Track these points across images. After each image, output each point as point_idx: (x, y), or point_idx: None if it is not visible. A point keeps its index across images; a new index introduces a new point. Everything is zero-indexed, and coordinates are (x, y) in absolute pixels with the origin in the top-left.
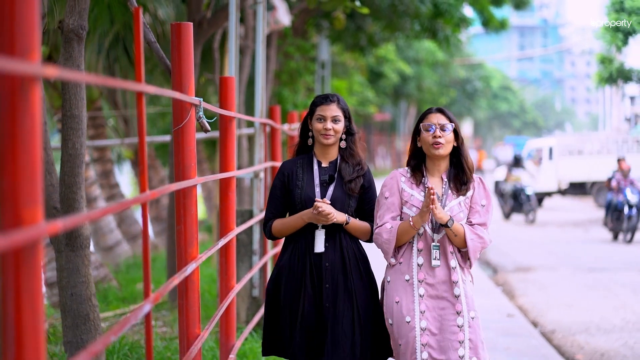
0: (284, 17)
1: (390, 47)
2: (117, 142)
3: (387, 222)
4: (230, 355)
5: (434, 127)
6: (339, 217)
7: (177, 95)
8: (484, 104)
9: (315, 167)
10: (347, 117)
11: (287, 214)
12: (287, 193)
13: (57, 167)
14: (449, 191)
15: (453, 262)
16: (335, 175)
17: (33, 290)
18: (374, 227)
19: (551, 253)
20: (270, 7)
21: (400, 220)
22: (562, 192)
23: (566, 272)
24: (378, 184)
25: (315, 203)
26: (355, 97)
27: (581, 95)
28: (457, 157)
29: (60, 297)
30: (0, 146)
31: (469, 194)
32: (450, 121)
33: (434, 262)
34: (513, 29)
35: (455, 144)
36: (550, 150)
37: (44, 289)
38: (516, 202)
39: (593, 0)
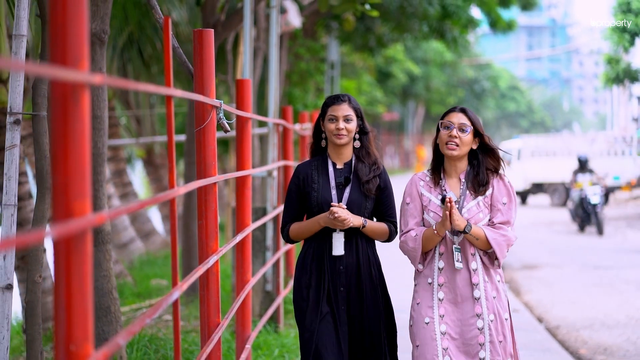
0: (295, 19)
1: (398, 47)
2: (132, 141)
3: (411, 230)
4: (246, 346)
5: (452, 126)
6: (355, 221)
7: (200, 98)
8: (492, 104)
9: (330, 169)
10: (360, 116)
11: (305, 217)
12: (303, 196)
13: None
14: (467, 192)
15: (474, 265)
16: (351, 177)
17: (82, 274)
18: (400, 235)
19: (557, 251)
20: (283, 11)
21: (423, 225)
22: (526, 192)
23: (571, 269)
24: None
25: (332, 208)
26: (364, 96)
27: (589, 95)
28: (478, 159)
29: None
30: (54, 145)
31: (488, 192)
32: (472, 122)
33: (457, 265)
34: (521, 28)
35: (474, 146)
36: (519, 151)
37: None
38: (584, 212)
39: (601, 0)
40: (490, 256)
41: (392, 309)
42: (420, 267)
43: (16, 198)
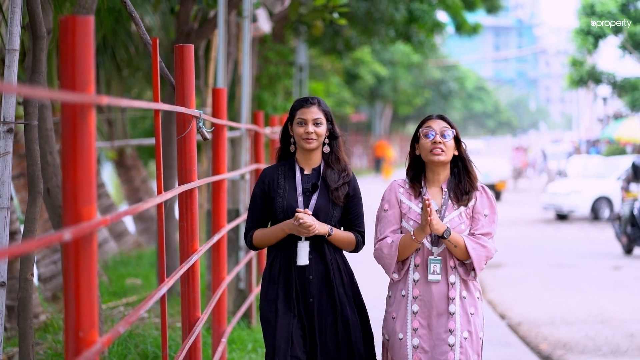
0: (265, 24)
1: (366, 49)
2: (107, 144)
3: (387, 237)
4: (222, 340)
5: (433, 133)
6: (321, 228)
7: (182, 109)
8: (458, 105)
9: (298, 174)
10: (330, 120)
11: (270, 223)
12: (268, 202)
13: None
14: (449, 202)
15: (453, 278)
16: (319, 183)
17: (89, 270)
18: (375, 242)
19: (522, 250)
20: (255, 19)
21: (400, 233)
22: None
23: (535, 268)
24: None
25: (297, 214)
26: (332, 98)
27: (556, 95)
28: (459, 166)
29: None
30: (64, 157)
31: (471, 204)
32: (451, 127)
33: (430, 277)
34: (488, 29)
35: (456, 152)
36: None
37: (37, 282)
38: (635, 229)
39: (568, 1)
40: (466, 267)
41: (368, 317)
42: (395, 276)
43: (9, 201)
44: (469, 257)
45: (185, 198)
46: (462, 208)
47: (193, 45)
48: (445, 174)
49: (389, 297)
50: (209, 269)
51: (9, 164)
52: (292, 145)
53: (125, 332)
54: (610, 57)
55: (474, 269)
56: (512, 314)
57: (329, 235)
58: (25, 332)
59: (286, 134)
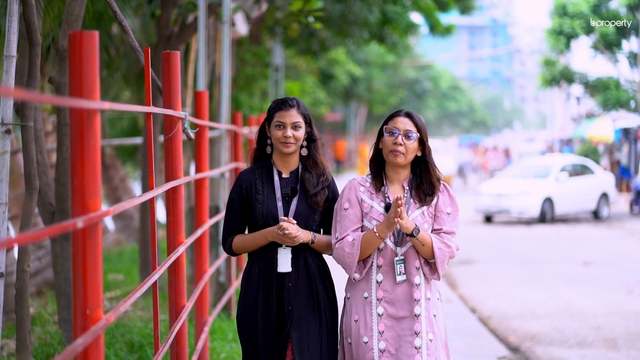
0: (242, 27)
1: (340, 49)
2: None
3: (348, 235)
4: (205, 329)
5: (397, 132)
6: (304, 237)
7: (170, 112)
8: (433, 104)
9: (276, 178)
10: (308, 123)
11: (247, 229)
12: (246, 207)
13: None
14: (411, 200)
15: (417, 279)
16: (298, 188)
17: (95, 255)
18: (334, 242)
19: (494, 247)
20: (232, 23)
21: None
22: None
23: (507, 264)
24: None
25: (281, 223)
26: (308, 97)
27: (530, 94)
28: (421, 168)
29: (55, 281)
30: (73, 156)
31: (433, 202)
32: (418, 128)
33: (398, 278)
34: (463, 28)
35: (419, 154)
36: None
37: None
38: None
39: (542, 1)
40: (431, 267)
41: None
42: (356, 276)
43: (7, 197)
44: (433, 256)
45: (172, 194)
46: (425, 207)
47: (179, 52)
48: (405, 173)
49: (347, 298)
50: (190, 263)
51: (7, 162)
52: (269, 147)
53: (112, 322)
54: (582, 57)
55: (437, 269)
56: (482, 308)
57: (312, 242)
58: (22, 320)
59: (263, 135)
